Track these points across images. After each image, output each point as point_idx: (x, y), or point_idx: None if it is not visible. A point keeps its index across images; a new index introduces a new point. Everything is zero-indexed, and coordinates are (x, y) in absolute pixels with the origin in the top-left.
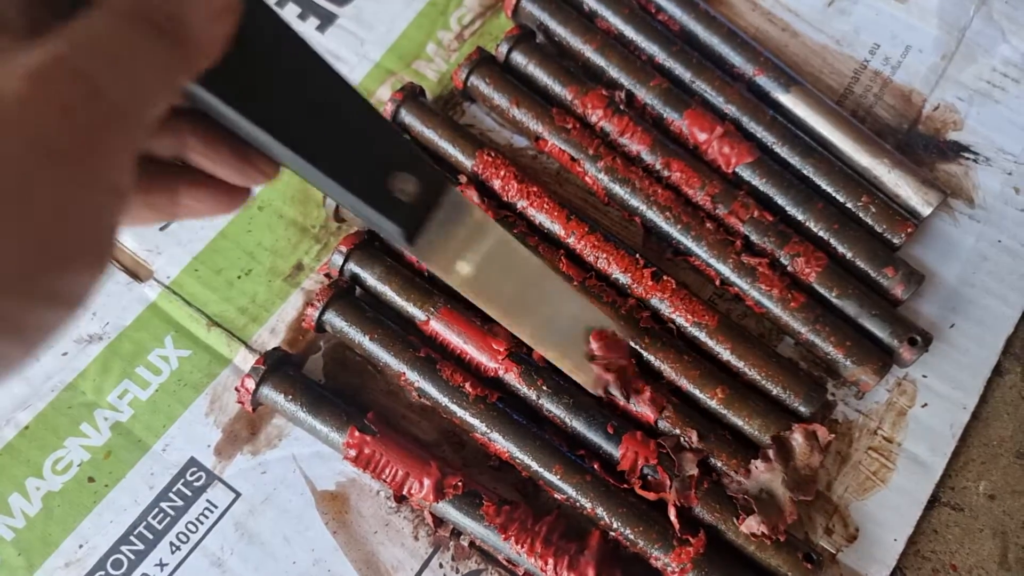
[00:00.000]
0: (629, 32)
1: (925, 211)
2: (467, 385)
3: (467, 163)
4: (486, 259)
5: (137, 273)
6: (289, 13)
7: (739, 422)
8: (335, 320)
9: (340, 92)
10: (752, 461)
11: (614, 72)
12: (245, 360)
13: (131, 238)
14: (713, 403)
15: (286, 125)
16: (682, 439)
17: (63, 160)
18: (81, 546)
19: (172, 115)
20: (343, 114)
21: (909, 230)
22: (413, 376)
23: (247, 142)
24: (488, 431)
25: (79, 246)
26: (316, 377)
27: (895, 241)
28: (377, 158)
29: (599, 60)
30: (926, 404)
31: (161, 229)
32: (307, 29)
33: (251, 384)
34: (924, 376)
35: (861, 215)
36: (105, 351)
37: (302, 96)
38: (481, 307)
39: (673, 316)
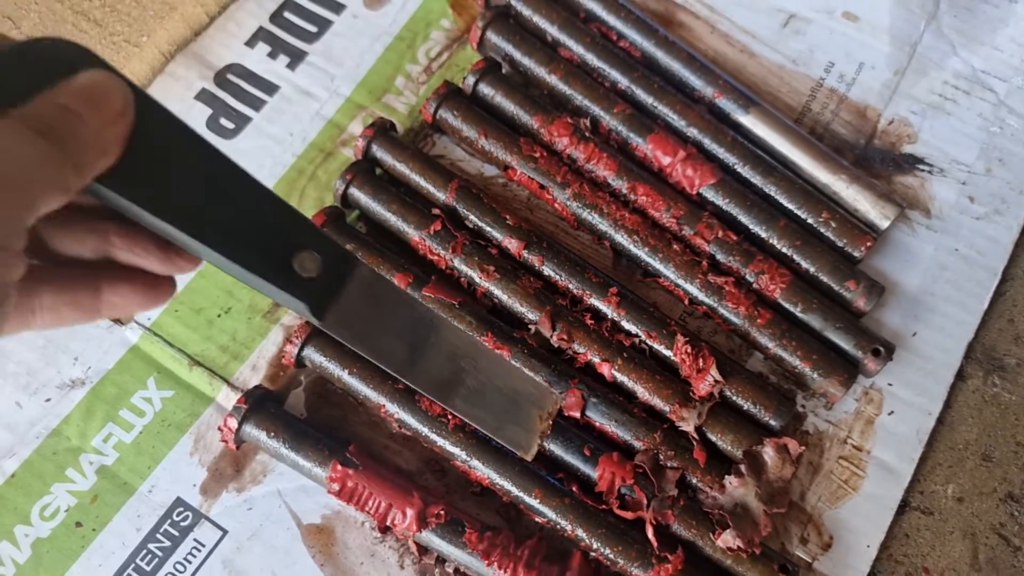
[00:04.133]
0: (592, 60)
1: (883, 224)
2: (447, 416)
3: (439, 195)
4: (402, 334)
5: (118, 316)
6: (259, 52)
7: (712, 437)
8: (314, 356)
9: (237, 180)
10: (726, 477)
11: (579, 100)
12: (228, 398)
13: None
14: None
15: (185, 215)
16: (660, 458)
17: None
18: None
19: (95, 217)
20: (242, 200)
21: (869, 244)
22: (393, 408)
23: None
24: (469, 459)
25: None
26: (298, 411)
27: (856, 254)
28: (278, 238)
29: (564, 88)
30: (892, 412)
31: None
32: (278, 67)
33: (233, 423)
34: (890, 384)
35: (822, 230)
36: (88, 395)
37: (199, 187)
38: (404, 381)
39: (645, 339)
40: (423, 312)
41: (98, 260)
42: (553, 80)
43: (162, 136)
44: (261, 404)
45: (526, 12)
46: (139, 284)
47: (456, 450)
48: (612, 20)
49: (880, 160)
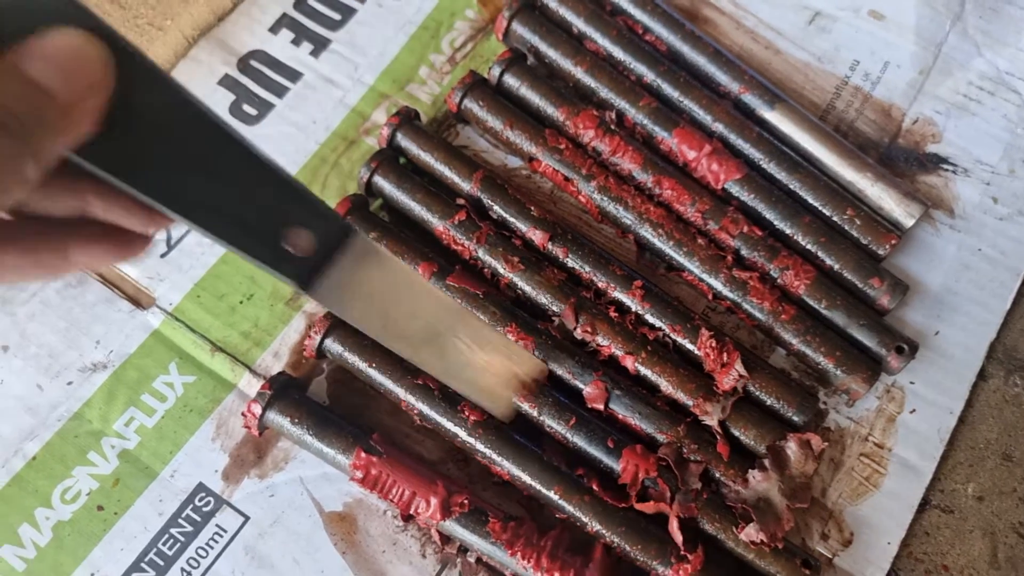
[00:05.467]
0: (618, 53)
1: (908, 223)
2: (465, 410)
3: (464, 185)
4: (392, 299)
5: (139, 301)
6: (283, 39)
7: (735, 432)
8: (335, 347)
9: (230, 149)
10: (749, 471)
11: (604, 92)
12: (250, 384)
13: (132, 266)
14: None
15: (167, 188)
16: (683, 451)
17: None
18: (93, 574)
19: (71, 174)
20: (231, 172)
21: (893, 242)
22: (413, 401)
23: None
24: (489, 453)
25: None
26: (320, 399)
27: (880, 252)
28: (268, 214)
29: (589, 81)
30: (914, 410)
31: (162, 256)
32: (301, 55)
33: (257, 409)
34: (912, 383)
35: (847, 228)
36: (110, 379)
37: (184, 156)
38: (389, 347)
39: (669, 332)
40: (416, 282)
41: (69, 217)
42: (579, 73)
43: (146, 100)
44: (285, 391)
45: (552, 4)
46: (112, 242)
47: (477, 444)
48: (638, 14)
49: (904, 159)
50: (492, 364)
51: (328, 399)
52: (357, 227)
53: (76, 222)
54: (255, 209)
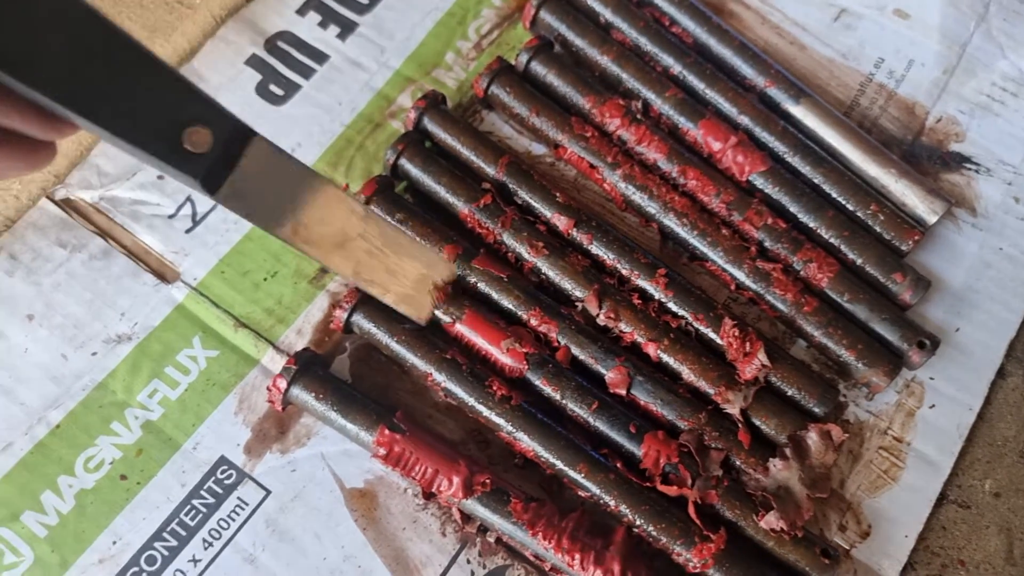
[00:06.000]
0: (644, 44)
1: (931, 219)
2: (493, 385)
3: (489, 170)
4: (301, 203)
5: (164, 275)
6: (310, 21)
7: (756, 421)
8: (363, 322)
9: (121, 48)
10: (770, 459)
11: (631, 82)
12: (273, 360)
13: (157, 240)
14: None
15: (64, 87)
16: (704, 438)
17: None
18: (115, 542)
19: None
20: (124, 70)
21: (916, 237)
22: (439, 377)
23: None
24: (514, 430)
25: None
26: (343, 377)
27: (903, 248)
28: (164, 111)
29: (616, 70)
30: (934, 405)
31: (187, 232)
32: (328, 37)
33: (283, 384)
34: (931, 378)
35: (870, 223)
36: (134, 351)
37: (81, 57)
38: (300, 251)
39: (692, 321)
40: (323, 187)
41: None
42: (605, 62)
43: None
44: (309, 367)
45: None
46: (16, 149)
47: (501, 421)
48: (665, 5)
49: (927, 157)
50: (405, 268)
51: (351, 378)
52: (257, 132)
53: None
54: (152, 107)
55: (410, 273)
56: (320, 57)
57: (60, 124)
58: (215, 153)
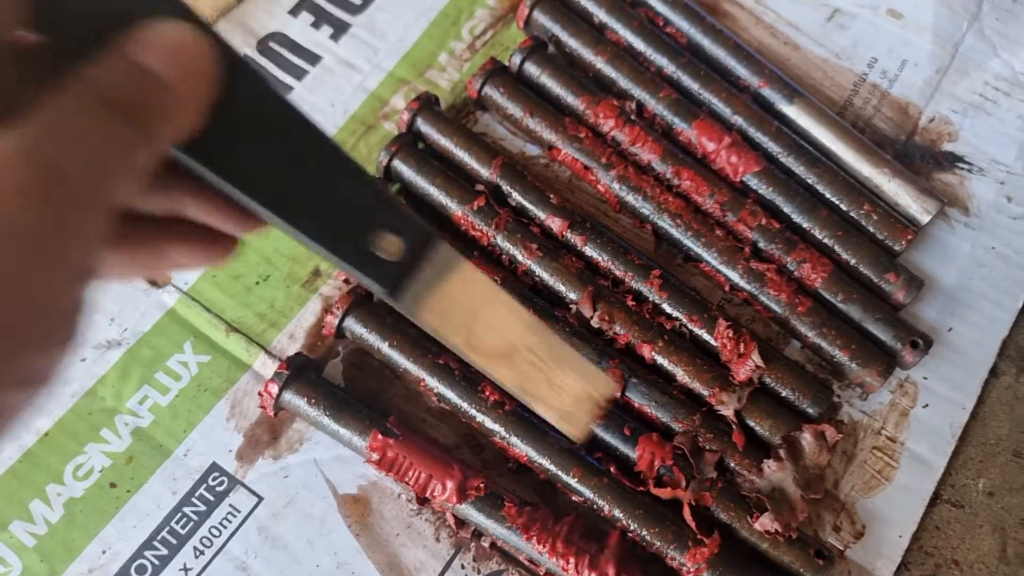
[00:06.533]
0: (638, 44)
1: (924, 219)
2: (486, 391)
3: (483, 172)
4: (473, 311)
5: (155, 279)
6: (303, 22)
7: (750, 422)
8: (355, 327)
9: (323, 151)
10: (764, 461)
11: (624, 83)
12: (265, 365)
13: None
14: None
15: (265, 187)
16: (699, 440)
17: (25, 244)
18: (104, 552)
19: (166, 173)
20: (325, 174)
21: (909, 237)
22: (432, 382)
23: None
24: (507, 436)
25: (46, 328)
26: (336, 382)
27: (896, 248)
28: (360, 217)
29: (610, 71)
30: (927, 405)
31: None
32: (321, 38)
33: (275, 389)
34: (925, 378)
35: (863, 223)
36: (124, 357)
37: (283, 158)
38: (468, 360)
39: (686, 322)
40: (496, 295)
41: (164, 216)
42: (599, 63)
43: (244, 95)
44: (302, 372)
45: None
46: (205, 243)
47: (496, 426)
48: (660, 6)
49: (920, 157)
50: (568, 383)
51: (343, 382)
52: (440, 236)
53: (171, 222)
54: (345, 210)
55: (572, 389)
56: (313, 58)
57: (252, 221)
58: (403, 259)
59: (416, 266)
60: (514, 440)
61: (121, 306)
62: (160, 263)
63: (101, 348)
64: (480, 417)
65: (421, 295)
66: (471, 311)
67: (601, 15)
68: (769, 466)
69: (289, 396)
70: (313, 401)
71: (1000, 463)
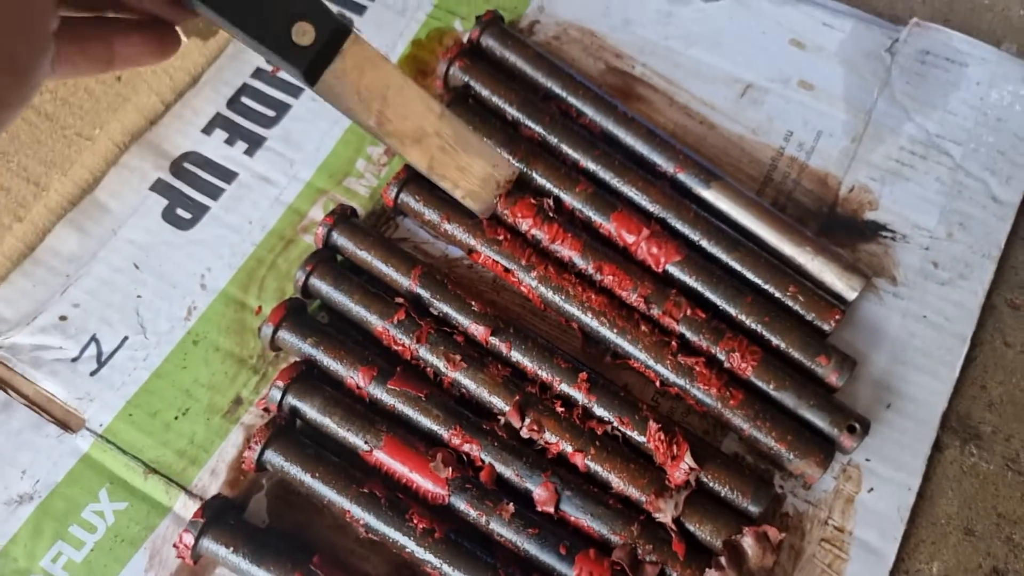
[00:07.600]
0: (552, 139)
1: (851, 295)
2: (414, 519)
3: (403, 282)
4: (387, 99)
5: (68, 423)
6: (216, 139)
7: (691, 527)
8: (275, 459)
9: None
10: (706, 571)
11: (540, 179)
12: (186, 506)
13: (61, 387)
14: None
15: None
16: (638, 552)
17: None
18: None
19: None
20: None
21: (837, 317)
22: (358, 513)
23: None
24: (439, 564)
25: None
26: (260, 517)
27: (825, 328)
28: (280, 9)
29: (524, 168)
30: (872, 489)
31: (92, 374)
32: (235, 154)
33: (190, 539)
34: (867, 459)
35: (790, 304)
36: (36, 512)
37: None
38: (381, 141)
39: (618, 425)
40: (407, 84)
41: (105, 9)
42: (513, 161)
43: None
44: (220, 516)
45: (484, 92)
46: (147, 35)
47: (427, 556)
48: (571, 98)
49: (844, 228)
50: (474, 166)
51: (268, 517)
52: (354, 29)
53: (112, 21)
54: (267, 2)
55: (478, 171)
56: (228, 176)
57: (184, 11)
58: (319, 47)
59: (330, 57)
60: (447, 569)
61: (33, 456)
62: (112, 57)
63: (13, 504)
64: (410, 547)
65: (335, 81)
66: (381, 96)
67: (512, 111)
68: (712, 575)
69: (207, 543)
70: (232, 548)
71: (952, 543)
